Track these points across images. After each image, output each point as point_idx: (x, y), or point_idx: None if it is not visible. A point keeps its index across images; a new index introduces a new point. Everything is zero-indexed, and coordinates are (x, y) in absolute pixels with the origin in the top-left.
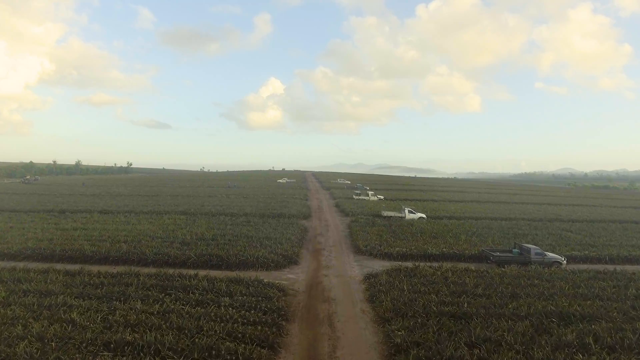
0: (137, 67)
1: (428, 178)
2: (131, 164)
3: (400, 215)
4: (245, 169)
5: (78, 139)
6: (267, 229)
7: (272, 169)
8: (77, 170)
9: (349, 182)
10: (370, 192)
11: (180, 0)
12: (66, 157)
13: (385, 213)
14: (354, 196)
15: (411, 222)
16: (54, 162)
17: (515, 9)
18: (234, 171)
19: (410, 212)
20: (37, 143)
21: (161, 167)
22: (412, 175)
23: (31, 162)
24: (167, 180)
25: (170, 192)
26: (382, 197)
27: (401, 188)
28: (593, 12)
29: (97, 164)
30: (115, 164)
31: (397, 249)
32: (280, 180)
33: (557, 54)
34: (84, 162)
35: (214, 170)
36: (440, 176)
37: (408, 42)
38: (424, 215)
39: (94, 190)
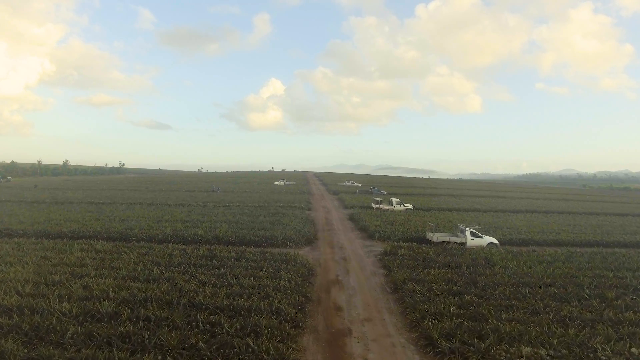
0: (138, 67)
1: (442, 180)
2: (123, 164)
3: (458, 239)
4: (244, 170)
5: (79, 139)
6: (234, 285)
7: (271, 169)
8: (64, 170)
9: (359, 185)
10: (395, 200)
11: (179, 0)
12: (66, 158)
13: (434, 236)
14: (373, 205)
15: (477, 252)
16: (39, 162)
17: (515, 9)
18: (232, 172)
19: (473, 234)
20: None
21: (157, 168)
22: (413, 175)
23: (13, 161)
24: (146, 182)
25: (131, 199)
26: (409, 205)
27: (420, 192)
28: (594, 11)
29: (88, 164)
30: (106, 165)
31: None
32: (277, 183)
33: (557, 54)
34: (82, 163)
35: (212, 171)
36: (442, 177)
37: (408, 42)
38: (494, 241)
39: (36, 195)
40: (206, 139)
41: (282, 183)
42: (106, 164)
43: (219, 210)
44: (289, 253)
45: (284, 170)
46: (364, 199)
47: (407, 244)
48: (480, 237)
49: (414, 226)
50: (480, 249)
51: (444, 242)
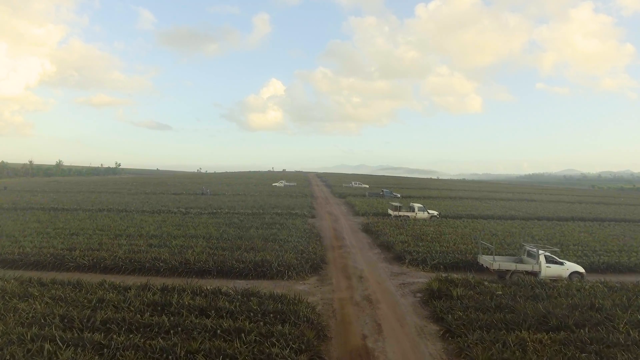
0: (138, 68)
1: (454, 180)
2: (119, 165)
3: (528, 267)
4: (244, 170)
5: (79, 140)
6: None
7: (271, 169)
8: (57, 171)
9: (367, 186)
10: (417, 206)
11: (179, 0)
12: (67, 158)
13: (494, 263)
14: (391, 211)
15: (568, 291)
16: (30, 162)
17: (515, 8)
18: (231, 172)
19: (549, 259)
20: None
21: (155, 168)
22: (414, 176)
23: (3, 162)
24: (136, 183)
25: (103, 204)
26: (435, 212)
27: (436, 194)
28: (594, 11)
29: (83, 165)
30: (101, 165)
31: None
32: (276, 184)
33: (558, 54)
34: (81, 164)
35: (212, 172)
36: (443, 177)
37: (408, 42)
38: (580, 269)
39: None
40: (206, 140)
41: (282, 184)
42: (101, 165)
43: (202, 220)
44: (287, 296)
45: (284, 170)
46: (377, 204)
47: (458, 275)
48: (561, 263)
49: (453, 243)
50: (561, 282)
51: (507, 270)
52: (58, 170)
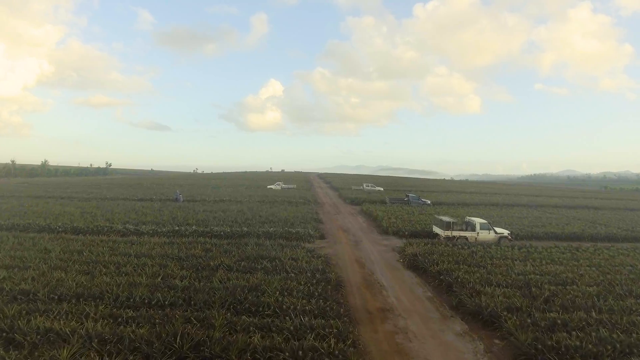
0: (137, 68)
1: (470, 181)
2: (110, 165)
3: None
4: (241, 170)
5: (78, 140)
6: None
7: (269, 169)
8: (42, 171)
9: (382, 189)
10: (478, 221)
11: (177, 0)
12: (66, 159)
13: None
14: (439, 230)
15: None
16: (12, 161)
17: (514, 8)
18: (228, 172)
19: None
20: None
21: (149, 169)
22: (414, 176)
23: None
24: (113, 184)
25: (26, 216)
26: (504, 231)
27: (466, 200)
28: (593, 11)
29: (71, 165)
30: (91, 165)
31: None
32: (271, 186)
33: (557, 54)
34: (79, 165)
35: (209, 172)
36: (442, 178)
37: (406, 43)
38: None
39: None
40: (205, 140)
41: (279, 187)
42: (91, 164)
43: (137, 248)
44: None
45: (282, 171)
46: (405, 214)
47: None
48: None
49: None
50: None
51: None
52: (43, 171)
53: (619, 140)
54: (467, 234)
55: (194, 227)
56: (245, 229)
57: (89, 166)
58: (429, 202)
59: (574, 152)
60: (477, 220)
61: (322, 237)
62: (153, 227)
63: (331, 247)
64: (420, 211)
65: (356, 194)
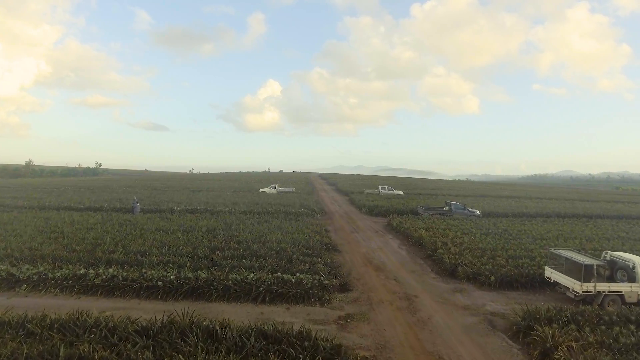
0: (135, 68)
1: (485, 182)
2: (100, 165)
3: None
4: (237, 171)
5: (76, 140)
6: None
7: (267, 170)
8: (27, 172)
9: (401, 193)
10: (635, 260)
11: (174, 0)
12: (64, 159)
13: None
14: (561, 277)
15: None
16: None
17: (512, 8)
18: (225, 172)
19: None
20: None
21: (143, 169)
22: (413, 176)
23: None
24: (84, 188)
25: None
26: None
27: (514, 211)
28: (590, 11)
29: (58, 165)
30: (79, 165)
31: None
32: (265, 190)
33: (555, 55)
34: (77, 165)
35: (206, 172)
36: (442, 178)
37: (404, 43)
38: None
39: None
40: (203, 140)
41: (274, 190)
42: (79, 164)
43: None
44: None
45: (281, 171)
46: (465, 235)
47: None
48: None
49: None
50: None
51: None
52: (28, 171)
53: (617, 140)
54: (623, 287)
55: (108, 273)
56: (203, 275)
57: (77, 166)
58: (478, 212)
59: (572, 152)
60: (635, 259)
61: (343, 287)
62: (43, 270)
63: (365, 320)
64: (477, 227)
65: (372, 199)
